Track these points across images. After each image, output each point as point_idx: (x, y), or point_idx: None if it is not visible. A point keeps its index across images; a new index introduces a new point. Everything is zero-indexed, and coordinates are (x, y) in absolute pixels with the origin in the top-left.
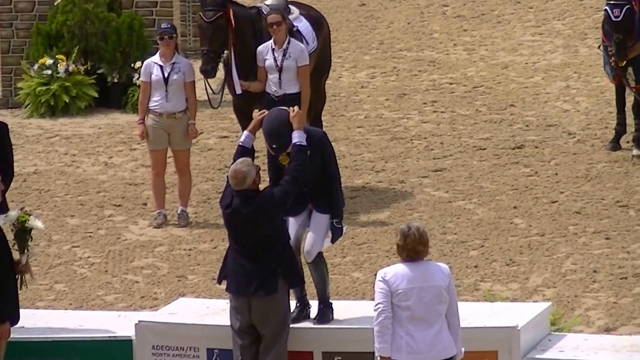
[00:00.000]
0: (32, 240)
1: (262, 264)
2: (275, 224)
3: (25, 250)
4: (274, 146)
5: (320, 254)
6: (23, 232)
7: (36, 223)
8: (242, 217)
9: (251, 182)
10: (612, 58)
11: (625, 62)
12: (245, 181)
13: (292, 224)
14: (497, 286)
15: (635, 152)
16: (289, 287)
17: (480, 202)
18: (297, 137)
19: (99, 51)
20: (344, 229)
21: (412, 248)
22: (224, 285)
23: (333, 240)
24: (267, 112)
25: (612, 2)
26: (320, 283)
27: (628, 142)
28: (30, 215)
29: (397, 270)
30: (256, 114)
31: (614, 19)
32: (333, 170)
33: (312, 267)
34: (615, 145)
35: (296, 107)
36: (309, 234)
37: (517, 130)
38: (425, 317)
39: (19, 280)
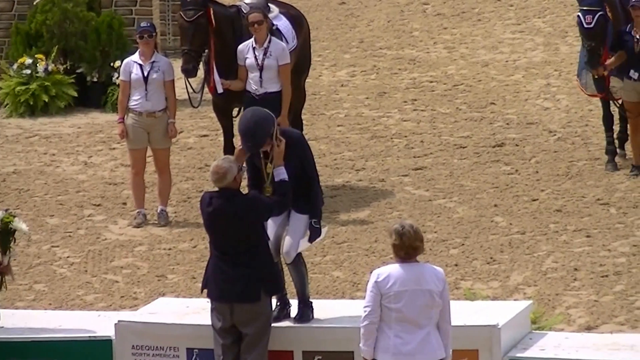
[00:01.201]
0: (15, 242)
1: (243, 269)
2: (257, 228)
3: (7, 252)
4: (248, 144)
5: (299, 254)
6: (6, 234)
7: (21, 225)
8: (224, 216)
9: (232, 179)
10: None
11: (606, 75)
12: (226, 178)
13: (271, 224)
14: (478, 285)
15: (618, 151)
16: (268, 295)
17: (460, 200)
18: (278, 174)
19: (79, 50)
20: (324, 231)
21: (410, 245)
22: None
23: (311, 240)
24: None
25: (584, 8)
26: (300, 283)
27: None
28: (14, 217)
29: (391, 272)
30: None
31: (585, 25)
32: (311, 172)
33: (291, 268)
34: (613, 165)
35: (282, 144)
36: (287, 235)
37: (497, 129)
38: (415, 320)
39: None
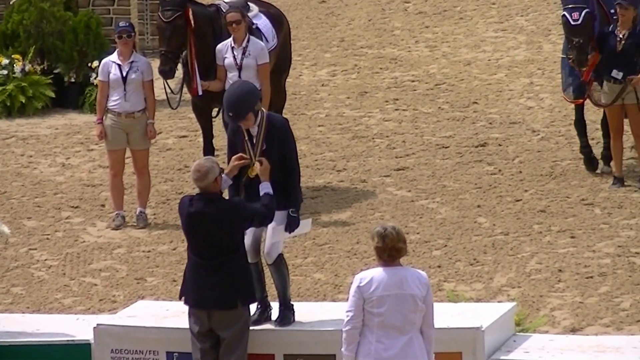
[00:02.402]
0: None
1: (220, 276)
2: (236, 234)
3: None
4: (230, 114)
5: (280, 255)
6: None
7: (2, 228)
8: (204, 219)
9: (213, 179)
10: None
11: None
12: (207, 177)
13: None
14: (461, 286)
15: (603, 168)
16: (245, 304)
17: (443, 201)
18: (263, 188)
19: (56, 51)
20: (308, 222)
21: (393, 247)
22: None
23: (289, 230)
24: (247, 157)
25: (570, 5)
26: (281, 285)
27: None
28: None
29: (374, 276)
30: (234, 160)
31: (572, 22)
32: (292, 162)
33: (272, 269)
34: (593, 166)
35: (264, 160)
36: (268, 235)
37: (480, 128)
38: (397, 325)
39: None
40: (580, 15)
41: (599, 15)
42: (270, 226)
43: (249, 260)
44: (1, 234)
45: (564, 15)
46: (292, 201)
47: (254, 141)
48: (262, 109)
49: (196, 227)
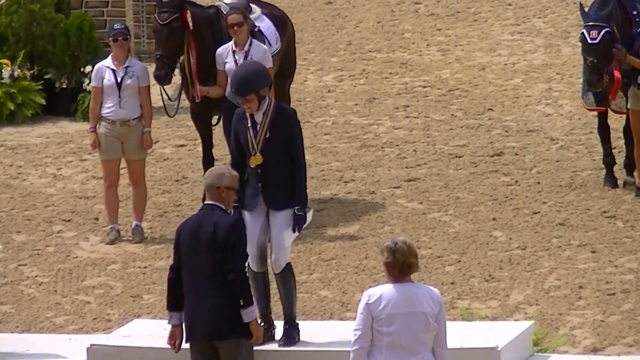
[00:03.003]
0: None
1: (213, 302)
2: (234, 255)
3: None
4: (233, 89)
5: (289, 265)
6: None
7: None
8: (206, 228)
9: (227, 183)
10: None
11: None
12: (221, 179)
13: (251, 228)
14: (476, 304)
15: (626, 178)
16: (234, 338)
17: (456, 213)
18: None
19: (47, 55)
20: (309, 215)
21: (404, 262)
22: None
23: (296, 230)
24: None
25: (590, 23)
26: (288, 299)
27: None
28: None
29: (383, 293)
30: None
31: (589, 41)
32: (296, 152)
33: (279, 280)
34: (612, 179)
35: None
36: (274, 241)
37: (495, 137)
38: (407, 346)
39: None
40: (598, 34)
41: (620, 17)
42: (275, 231)
43: (255, 270)
44: None
45: (582, 32)
46: (297, 198)
47: (257, 128)
48: (271, 97)
49: (195, 240)
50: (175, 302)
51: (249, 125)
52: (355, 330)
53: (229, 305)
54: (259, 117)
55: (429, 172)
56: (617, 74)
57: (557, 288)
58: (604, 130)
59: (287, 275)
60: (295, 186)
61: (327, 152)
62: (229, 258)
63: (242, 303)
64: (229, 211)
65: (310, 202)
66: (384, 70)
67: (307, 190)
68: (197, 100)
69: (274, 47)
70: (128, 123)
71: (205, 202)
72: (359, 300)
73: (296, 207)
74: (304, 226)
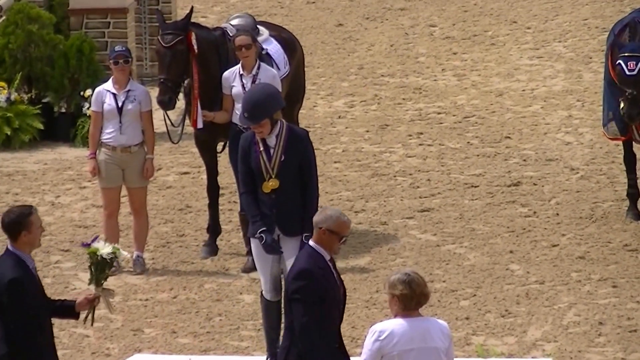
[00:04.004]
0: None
1: None
2: None
3: (102, 282)
4: (245, 114)
5: None
6: (104, 265)
7: (124, 253)
8: None
9: None
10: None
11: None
12: None
13: (263, 260)
14: (492, 340)
15: None
16: None
17: (472, 245)
18: None
19: (45, 78)
20: None
21: (421, 292)
22: (184, 340)
23: None
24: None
25: (626, 53)
26: None
27: None
28: (119, 249)
29: (394, 328)
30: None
31: (628, 72)
32: (311, 177)
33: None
34: (635, 211)
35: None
36: (287, 268)
37: (513, 166)
38: None
39: (88, 316)
40: (637, 65)
41: None
42: (289, 258)
43: (269, 299)
44: (121, 257)
45: (619, 63)
46: (307, 225)
47: (271, 153)
48: (282, 120)
49: None
50: None
51: (261, 149)
52: None
53: None
54: (271, 141)
55: (444, 202)
56: None
57: (576, 324)
58: (630, 160)
59: None
60: (306, 211)
61: (337, 180)
62: None
63: None
64: None
65: None
66: (397, 95)
67: None
68: (198, 127)
69: (282, 71)
70: (129, 149)
71: None
72: (366, 335)
73: (305, 235)
74: None
